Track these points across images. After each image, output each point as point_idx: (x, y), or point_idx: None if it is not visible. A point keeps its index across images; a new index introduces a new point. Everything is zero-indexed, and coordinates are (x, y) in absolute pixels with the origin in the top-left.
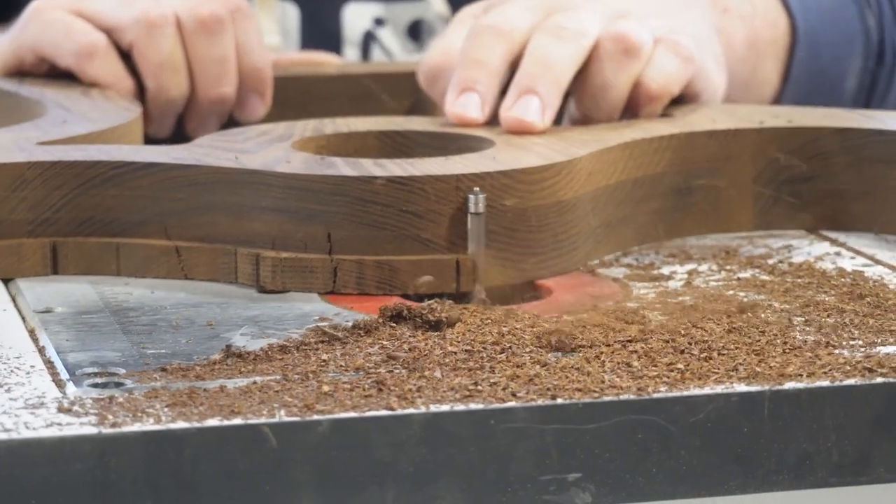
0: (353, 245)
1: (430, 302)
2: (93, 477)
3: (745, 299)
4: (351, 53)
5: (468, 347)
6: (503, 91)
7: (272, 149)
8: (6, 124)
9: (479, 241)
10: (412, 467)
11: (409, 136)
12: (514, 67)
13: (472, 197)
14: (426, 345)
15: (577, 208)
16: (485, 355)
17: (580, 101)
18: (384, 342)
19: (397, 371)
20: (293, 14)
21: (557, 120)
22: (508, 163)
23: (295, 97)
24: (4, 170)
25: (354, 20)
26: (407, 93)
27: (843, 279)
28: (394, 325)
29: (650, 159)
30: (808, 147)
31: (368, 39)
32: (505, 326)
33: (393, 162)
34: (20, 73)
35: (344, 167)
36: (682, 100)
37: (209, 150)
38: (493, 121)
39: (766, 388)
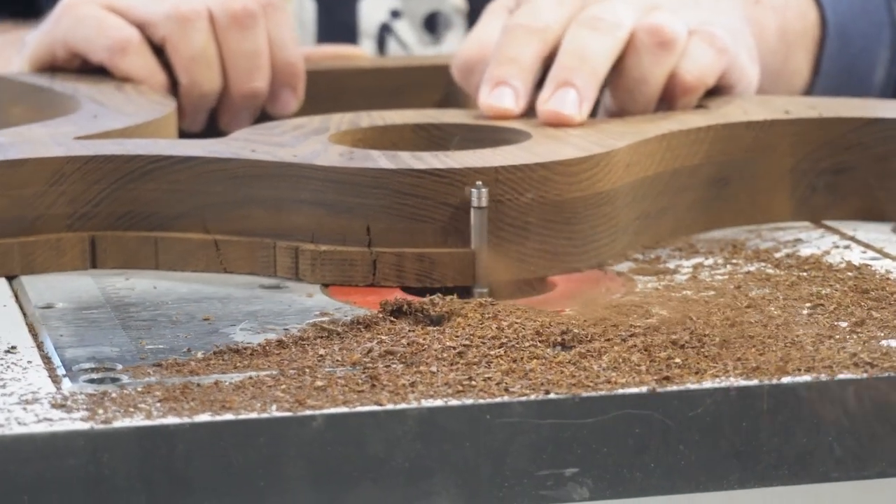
0: (392, 238)
1: (431, 297)
2: (86, 472)
3: (750, 293)
4: (367, 46)
5: (467, 342)
6: (538, 87)
7: (309, 142)
8: (40, 119)
9: (481, 235)
10: (407, 463)
11: (446, 129)
12: (547, 64)
13: (474, 191)
14: (425, 339)
15: (615, 200)
16: (483, 350)
17: (615, 93)
18: (383, 337)
19: (394, 366)
20: (309, 6)
21: (592, 113)
22: (546, 155)
23: (326, 91)
24: (43, 164)
25: (370, 12)
26: (438, 86)
27: (849, 273)
28: (394, 319)
29: (687, 151)
30: (844, 137)
31: (384, 32)
32: (505, 321)
33: (431, 154)
34: (52, 68)
35: (382, 160)
36: (716, 91)
37: (246, 144)
38: (528, 114)
39: (766, 382)
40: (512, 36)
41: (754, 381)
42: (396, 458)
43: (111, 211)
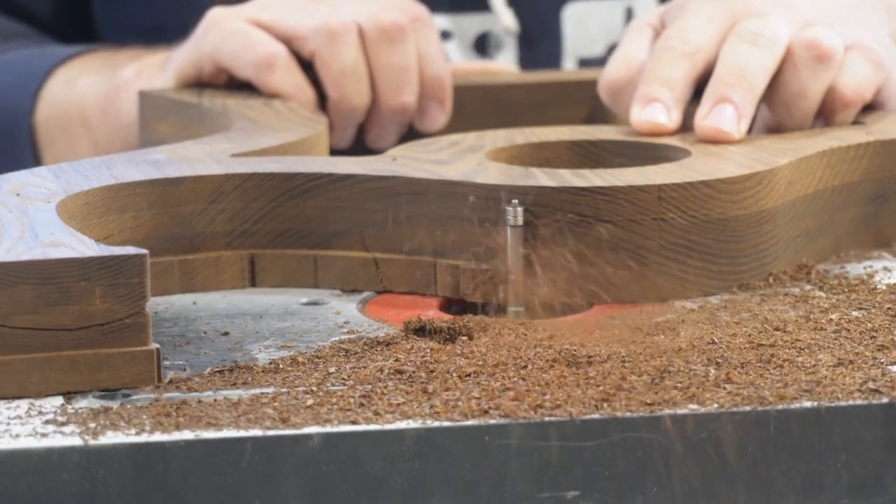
0: (553, 255)
1: (458, 316)
2: (80, 488)
3: (784, 316)
4: None
5: (481, 362)
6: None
7: (467, 159)
8: (187, 135)
9: (517, 253)
10: (405, 483)
11: (601, 146)
12: (697, 84)
13: (509, 209)
14: (439, 359)
15: (777, 218)
16: (495, 370)
17: (773, 108)
18: (399, 356)
19: (399, 385)
20: None
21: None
22: (709, 172)
23: (472, 106)
24: (202, 182)
25: None
26: (584, 101)
27: (891, 295)
28: (416, 338)
29: (847, 167)
30: None
31: None
32: (527, 341)
33: (592, 172)
34: (198, 83)
35: (543, 177)
36: (869, 107)
37: (405, 161)
38: (682, 131)
39: (772, 407)
40: (662, 58)
41: (761, 407)
42: (394, 478)
43: (270, 228)
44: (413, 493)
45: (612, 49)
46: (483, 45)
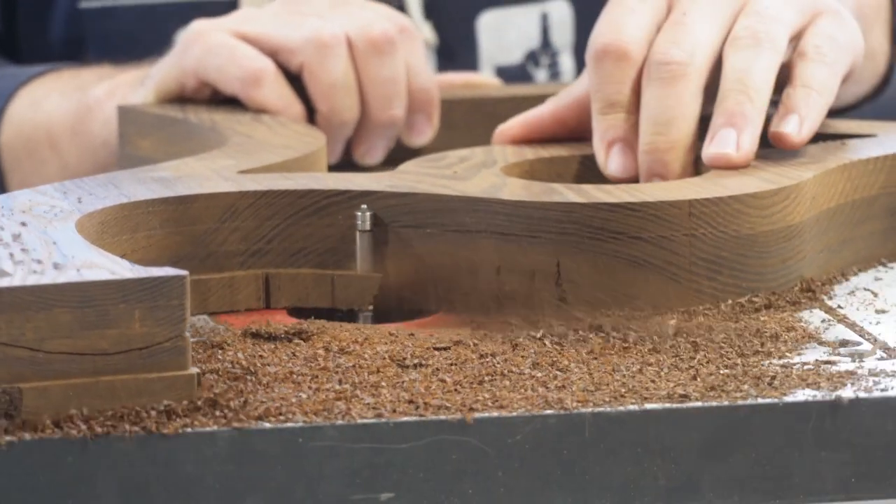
0: (581, 273)
1: (299, 320)
2: None
3: (627, 322)
4: None
5: (310, 364)
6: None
7: (483, 175)
8: (178, 153)
9: (366, 258)
10: (218, 484)
11: None
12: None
13: (359, 214)
14: (267, 362)
15: (803, 233)
16: (319, 374)
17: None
18: (229, 358)
19: (219, 387)
20: None
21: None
22: (737, 187)
23: (460, 120)
24: (215, 200)
25: None
26: None
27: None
28: (252, 342)
29: (866, 181)
30: None
31: None
32: (360, 345)
33: (618, 187)
34: (180, 98)
35: (569, 193)
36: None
37: (419, 178)
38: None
39: (588, 410)
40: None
41: (576, 409)
42: (208, 480)
43: (284, 248)
44: (227, 496)
45: (529, 56)
46: None
